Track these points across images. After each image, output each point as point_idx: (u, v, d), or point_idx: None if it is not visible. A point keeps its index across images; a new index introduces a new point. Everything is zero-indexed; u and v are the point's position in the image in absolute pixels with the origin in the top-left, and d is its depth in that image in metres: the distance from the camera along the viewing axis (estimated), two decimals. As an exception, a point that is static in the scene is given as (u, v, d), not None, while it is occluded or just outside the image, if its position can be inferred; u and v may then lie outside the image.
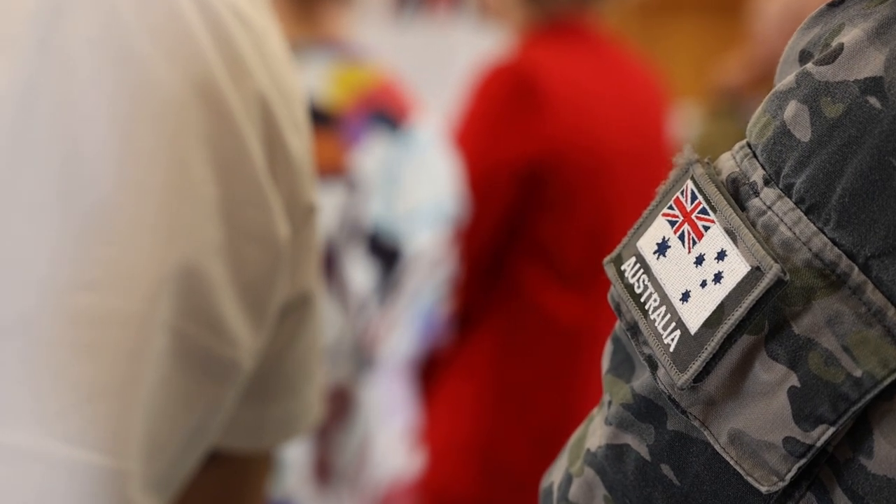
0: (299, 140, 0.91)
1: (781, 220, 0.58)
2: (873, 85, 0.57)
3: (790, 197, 0.58)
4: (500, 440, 2.27)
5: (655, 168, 2.31)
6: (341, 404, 1.89)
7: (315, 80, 1.89)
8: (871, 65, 0.57)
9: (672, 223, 0.62)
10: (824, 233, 0.57)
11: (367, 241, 1.88)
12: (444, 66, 3.56)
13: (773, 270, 0.56)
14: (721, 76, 3.40)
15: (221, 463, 0.95)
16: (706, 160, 0.63)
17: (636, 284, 0.62)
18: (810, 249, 0.57)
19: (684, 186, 0.62)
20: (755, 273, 0.57)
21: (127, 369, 0.81)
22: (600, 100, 2.35)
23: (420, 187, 1.96)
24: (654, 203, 0.64)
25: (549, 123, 2.26)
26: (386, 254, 1.91)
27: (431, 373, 2.28)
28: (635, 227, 0.64)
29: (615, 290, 0.63)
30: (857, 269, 0.56)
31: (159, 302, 0.82)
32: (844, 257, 0.56)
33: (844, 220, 0.56)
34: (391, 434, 1.99)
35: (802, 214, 0.58)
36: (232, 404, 0.89)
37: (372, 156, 1.90)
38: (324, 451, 1.88)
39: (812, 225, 0.57)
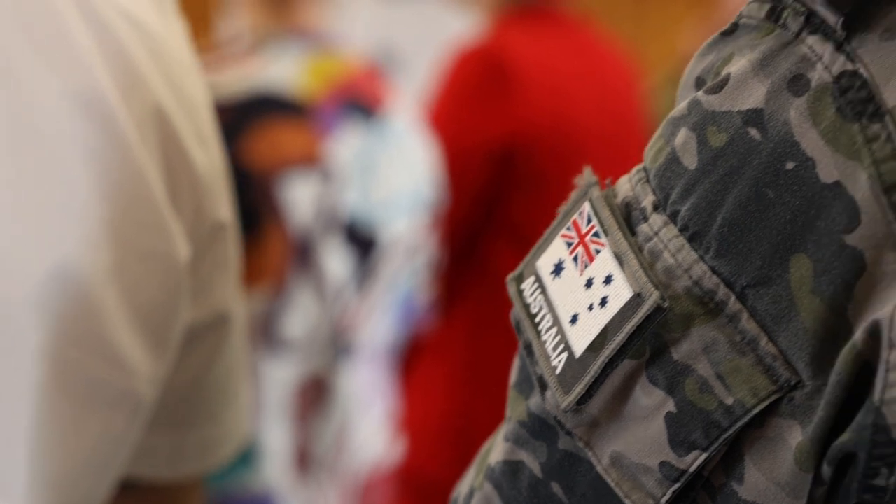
0: (205, 153, 0.87)
1: (666, 247, 0.59)
2: (754, 116, 0.58)
3: (675, 224, 0.59)
4: (474, 420, 2.28)
5: (627, 149, 2.33)
6: (318, 393, 1.90)
7: (288, 70, 1.90)
8: (754, 96, 0.58)
9: (568, 244, 0.63)
10: (704, 261, 0.58)
11: (343, 230, 1.89)
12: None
13: (652, 297, 0.57)
14: (684, 44, 3.41)
15: (143, 493, 0.92)
16: (608, 181, 0.64)
17: (533, 304, 0.63)
18: (691, 277, 0.58)
19: (582, 208, 0.63)
20: (637, 299, 0.58)
21: None
22: (572, 81, 2.37)
23: (396, 175, 1.97)
24: (555, 222, 0.65)
25: (521, 105, 2.28)
26: (362, 242, 1.92)
27: (413, 359, 2.30)
28: (537, 245, 0.65)
29: (515, 309, 0.64)
30: (734, 297, 0.57)
31: (29, 332, 0.77)
32: (722, 286, 0.57)
33: (723, 250, 0.58)
34: (370, 421, 2.00)
35: (685, 242, 0.59)
36: (138, 432, 0.85)
37: (347, 145, 1.91)
38: (303, 439, 1.89)
39: (693, 253, 0.58)
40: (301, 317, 1.85)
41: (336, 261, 1.88)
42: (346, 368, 1.94)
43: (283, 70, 1.89)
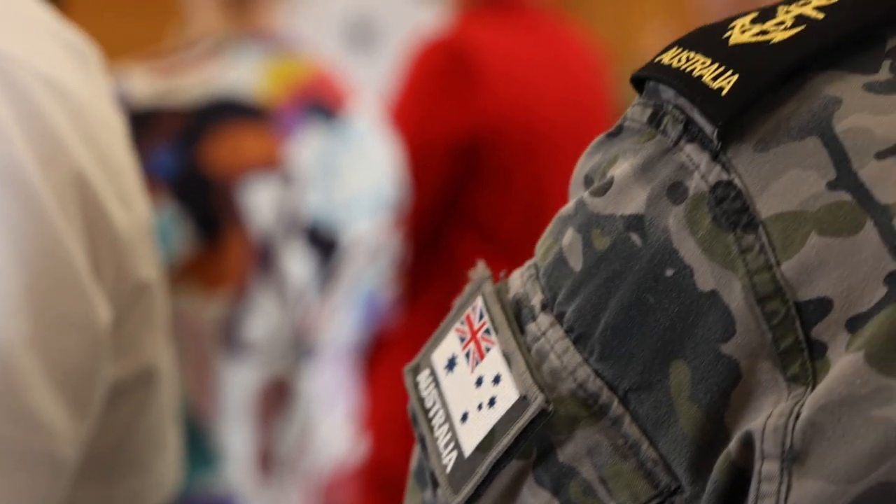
0: (128, 214, 0.88)
1: (552, 348, 0.61)
2: (636, 222, 0.59)
3: (562, 325, 0.61)
4: (440, 409, 2.30)
5: (592, 140, 2.34)
6: (281, 395, 1.92)
7: (247, 74, 1.90)
8: (636, 202, 0.59)
9: (461, 339, 0.64)
10: (589, 364, 0.59)
11: (305, 233, 1.90)
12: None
13: (537, 401, 0.59)
14: (647, 42, 3.43)
15: None
16: (502, 274, 0.65)
17: (427, 398, 0.65)
18: (575, 379, 0.60)
19: (475, 303, 0.65)
20: (523, 402, 0.59)
21: None
22: (537, 73, 2.38)
23: (359, 176, 1.98)
24: (450, 315, 0.66)
25: (484, 98, 2.29)
26: (324, 244, 1.93)
27: (377, 354, 2.31)
28: (433, 337, 0.67)
29: (411, 401, 0.66)
30: (617, 401, 0.58)
31: None
32: (606, 389, 0.59)
33: (606, 353, 0.59)
34: (334, 421, 2.02)
35: (570, 344, 0.60)
36: (63, 490, 0.86)
37: (308, 148, 1.91)
38: (265, 441, 1.91)
39: (578, 355, 0.60)
40: (262, 320, 1.86)
41: (297, 263, 1.89)
42: (309, 370, 1.95)
43: (243, 74, 1.90)
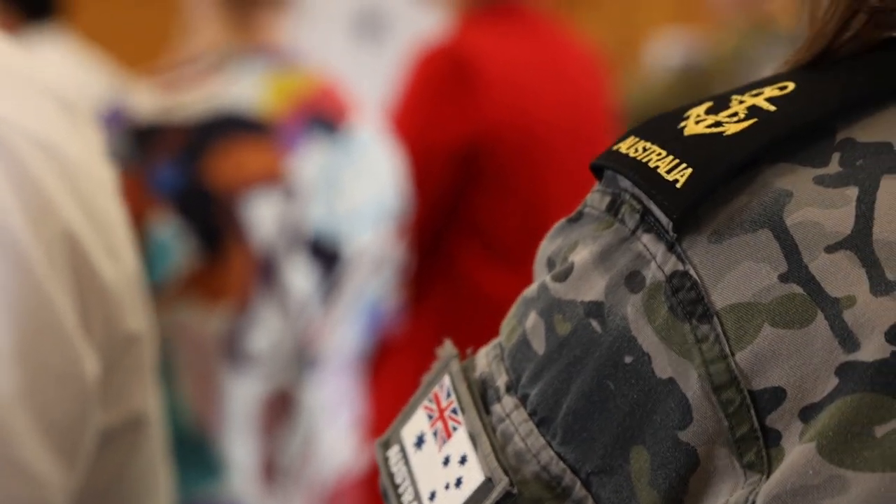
0: (116, 267, 0.89)
1: (517, 430, 0.62)
2: (596, 309, 0.61)
3: (525, 407, 0.62)
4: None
5: (593, 145, 2.35)
6: (284, 406, 1.94)
7: (250, 89, 1.92)
8: (595, 289, 0.61)
9: (430, 417, 0.66)
10: (552, 447, 0.61)
11: (308, 245, 1.92)
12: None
13: (502, 484, 0.60)
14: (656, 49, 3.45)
15: None
16: (470, 351, 0.67)
17: (397, 474, 0.66)
18: (539, 462, 0.61)
19: (443, 381, 0.66)
20: (488, 484, 0.61)
21: None
22: (536, 79, 2.39)
23: (361, 188, 1.99)
24: (419, 391, 0.68)
25: (484, 104, 2.30)
26: (327, 256, 1.95)
27: (381, 360, 2.33)
28: (403, 412, 0.68)
29: (382, 476, 0.67)
30: (579, 483, 0.60)
31: None
32: (569, 472, 0.61)
33: (569, 437, 0.61)
34: (337, 430, 2.04)
35: (534, 427, 0.62)
36: None
37: (311, 161, 1.93)
38: (269, 451, 1.93)
39: (542, 438, 0.61)
40: (265, 332, 1.88)
41: (300, 276, 1.91)
42: (312, 381, 1.97)
43: (246, 89, 1.91)
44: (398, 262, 2.11)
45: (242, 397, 1.87)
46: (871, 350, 0.55)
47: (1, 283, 0.82)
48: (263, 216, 1.86)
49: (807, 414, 0.56)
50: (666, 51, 3.68)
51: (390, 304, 2.15)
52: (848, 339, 0.55)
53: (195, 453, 1.87)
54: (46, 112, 0.88)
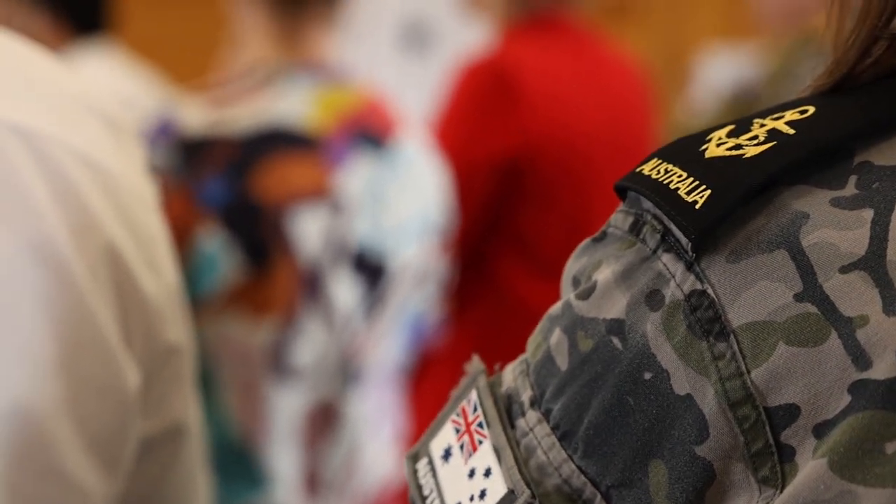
0: (157, 281, 0.92)
1: (539, 444, 0.64)
2: (617, 326, 0.62)
3: (548, 422, 0.64)
4: (483, 430, 2.33)
5: (635, 159, 2.35)
6: (328, 419, 1.95)
7: (297, 104, 1.94)
8: (617, 307, 0.63)
9: (457, 431, 0.68)
10: (573, 460, 0.63)
11: (352, 259, 1.94)
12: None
13: (524, 496, 0.62)
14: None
15: None
16: (497, 366, 0.69)
17: (424, 486, 0.68)
18: (560, 475, 0.63)
19: (470, 395, 0.68)
20: (511, 495, 0.63)
21: None
22: (578, 92, 2.40)
23: (406, 203, 2.01)
24: (447, 406, 0.70)
25: (527, 118, 2.32)
26: (371, 270, 1.97)
27: (423, 373, 2.35)
28: (432, 426, 0.70)
29: (411, 488, 0.69)
30: (599, 496, 0.62)
31: None
32: (589, 485, 0.62)
33: (590, 451, 0.62)
34: (380, 443, 2.05)
35: (556, 441, 0.64)
36: None
37: (356, 176, 1.95)
38: (312, 463, 1.95)
39: (563, 452, 0.63)
40: (310, 345, 1.90)
41: (345, 290, 1.93)
42: (355, 394, 1.99)
43: (293, 104, 1.93)
44: (441, 275, 2.13)
45: (287, 409, 1.89)
46: (883, 368, 0.56)
47: (45, 297, 0.84)
48: (309, 230, 1.88)
49: (820, 430, 0.57)
50: (715, 72, 3.68)
51: (433, 318, 2.17)
52: (860, 358, 0.57)
53: (239, 465, 1.89)
54: (90, 128, 0.91)
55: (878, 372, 0.56)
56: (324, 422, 1.95)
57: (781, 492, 0.58)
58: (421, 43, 4.62)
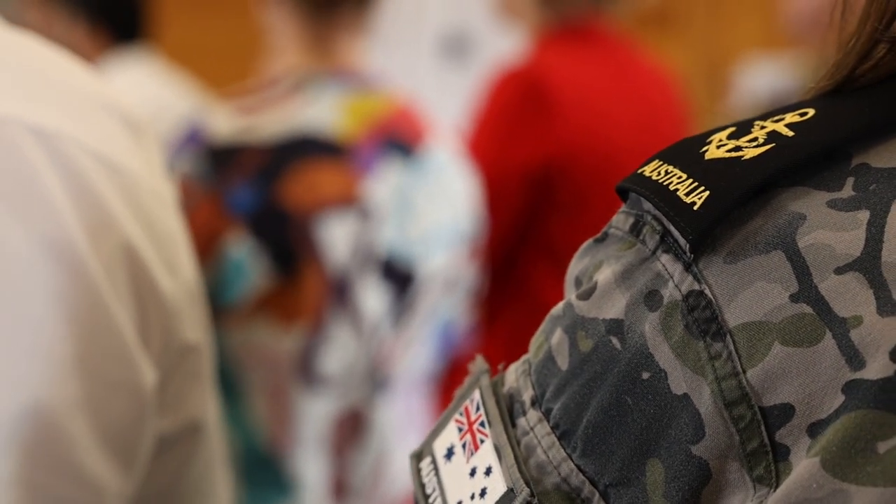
0: (175, 280, 0.92)
1: (539, 443, 0.64)
2: (616, 326, 0.63)
3: (549, 421, 0.65)
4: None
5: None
6: (356, 426, 1.96)
7: (326, 111, 1.94)
8: (616, 307, 0.63)
9: (460, 430, 0.68)
10: (572, 459, 0.63)
11: (380, 266, 1.94)
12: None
13: (523, 494, 0.63)
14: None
15: None
16: (501, 366, 0.69)
17: (427, 485, 0.69)
18: (559, 474, 0.63)
19: (473, 395, 0.69)
20: (510, 494, 0.63)
21: None
22: (611, 101, 2.40)
23: (435, 211, 2.01)
24: (451, 405, 0.70)
25: (560, 126, 2.31)
26: (400, 277, 1.97)
27: (452, 381, 2.35)
28: (436, 425, 0.71)
29: (414, 487, 0.70)
30: (598, 495, 0.62)
31: (0, 461, 0.83)
32: (588, 484, 0.63)
33: (588, 450, 0.63)
34: (408, 449, 2.05)
35: (556, 440, 0.64)
36: None
37: (385, 183, 1.95)
38: (340, 470, 1.95)
39: (563, 451, 0.64)
40: (338, 353, 1.90)
41: (373, 297, 1.93)
42: (384, 401, 1.99)
43: (322, 111, 1.94)
44: (471, 283, 2.13)
45: (315, 416, 1.90)
46: (876, 368, 0.56)
47: (62, 295, 0.84)
48: (338, 237, 1.88)
49: (814, 430, 0.57)
50: (754, 82, 3.68)
51: (463, 325, 2.17)
52: (854, 358, 0.57)
53: (267, 472, 1.90)
54: (108, 128, 0.91)
55: (871, 372, 0.56)
56: (351, 429, 1.95)
57: (775, 491, 0.58)
58: (460, 52, 4.63)
